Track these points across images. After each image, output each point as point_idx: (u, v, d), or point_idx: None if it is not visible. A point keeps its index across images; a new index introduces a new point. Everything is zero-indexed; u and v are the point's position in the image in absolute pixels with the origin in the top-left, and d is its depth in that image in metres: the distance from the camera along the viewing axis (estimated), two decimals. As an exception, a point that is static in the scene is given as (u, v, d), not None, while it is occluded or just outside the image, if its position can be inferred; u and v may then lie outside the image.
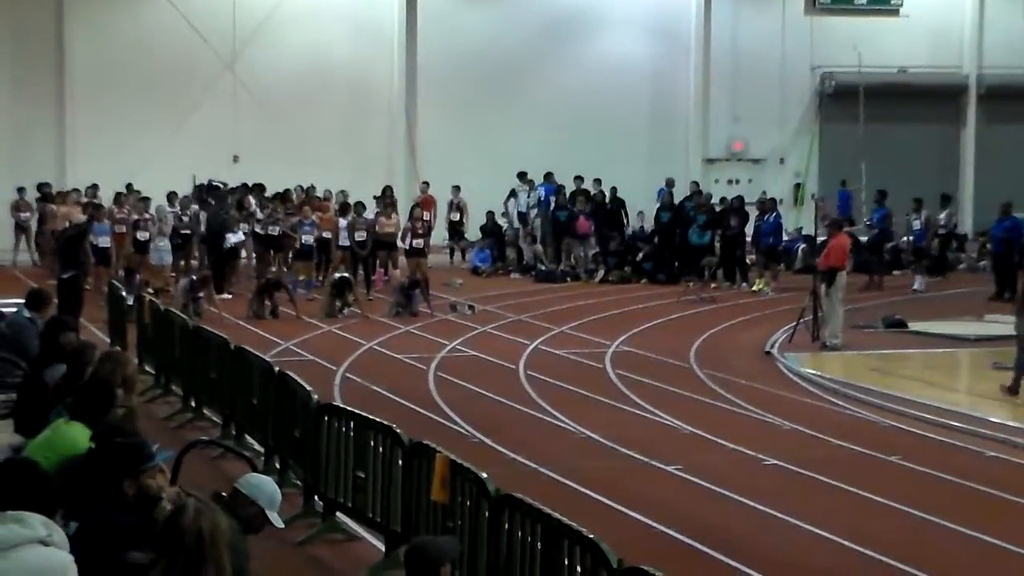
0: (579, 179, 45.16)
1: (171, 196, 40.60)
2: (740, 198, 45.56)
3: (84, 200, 40.04)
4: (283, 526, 11.26)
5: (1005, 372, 26.34)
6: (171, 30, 43.12)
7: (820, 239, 36.73)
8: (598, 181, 44.39)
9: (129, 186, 40.51)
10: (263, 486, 10.43)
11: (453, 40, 45.47)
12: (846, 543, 16.40)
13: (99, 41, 42.56)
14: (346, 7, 44.94)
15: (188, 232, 39.38)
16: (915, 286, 37.13)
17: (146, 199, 39.89)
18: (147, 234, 38.70)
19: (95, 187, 40.42)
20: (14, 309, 22.17)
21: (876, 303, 36.29)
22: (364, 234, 39.07)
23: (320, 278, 38.41)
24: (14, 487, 8.36)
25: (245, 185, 41.56)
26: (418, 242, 38.97)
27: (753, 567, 15.19)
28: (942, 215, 43.57)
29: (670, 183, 45.17)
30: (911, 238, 43.63)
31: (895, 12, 50.15)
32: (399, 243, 39.27)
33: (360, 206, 40.53)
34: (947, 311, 35.65)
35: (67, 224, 37.92)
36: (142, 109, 42.32)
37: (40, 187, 40.32)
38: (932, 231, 44.41)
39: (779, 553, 15.88)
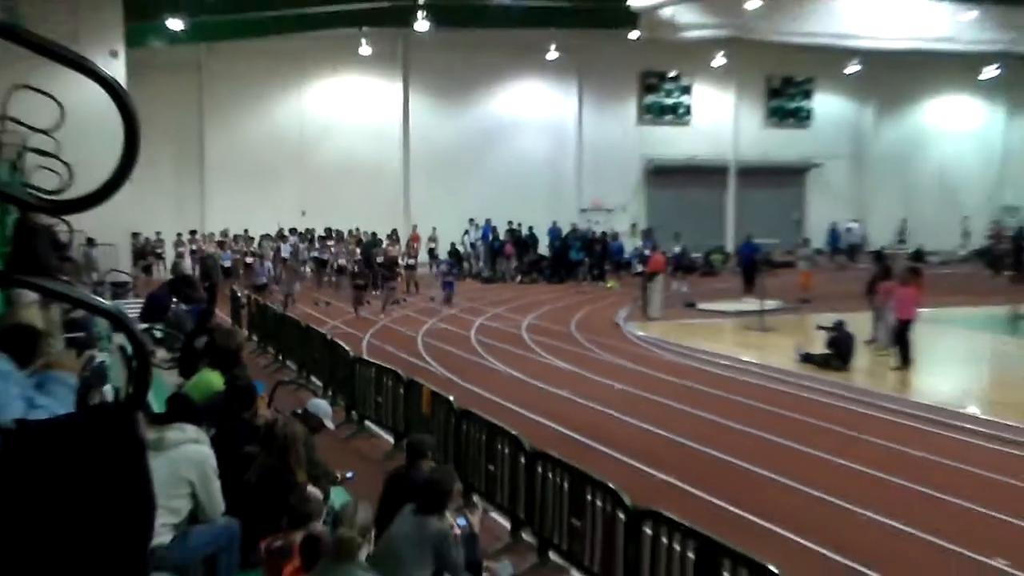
0: (510, 223, 45.13)
1: (267, 236, 40.92)
2: (604, 233, 45.81)
3: (217, 239, 40.29)
4: (334, 427, 11.50)
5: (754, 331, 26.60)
6: (268, 132, 42.91)
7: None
8: (520, 225, 44.54)
9: (245, 231, 40.72)
10: (321, 406, 10.76)
11: (430, 140, 45.26)
12: (662, 432, 16.66)
13: (224, 133, 42.27)
14: (369, 123, 44.67)
15: (285, 257, 39.48)
16: (683, 288, 36.93)
17: (251, 238, 40.36)
18: (251, 259, 38.98)
19: (225, 231, 40.45)
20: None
21: (686, 290, 36.31)
22: (383, 256, 39.18)
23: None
24: (178, 409, 8.57)
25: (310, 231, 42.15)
26: (411, 261, 39.05)
27: (610, 448, 15.44)
28: (677, 247, 43.94)
29: (555, 225, 45.38)
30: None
31: (687, 123, 50.21)
32: (399, 261, 39.30)
33: (377, 239, 40.91)
34: (717, 296, 35.80)
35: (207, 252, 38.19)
36: (250, 180, 42.09)
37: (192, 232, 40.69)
38: (686, 253, 45.05)
39: (626, 440, 15.97)
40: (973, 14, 36.67)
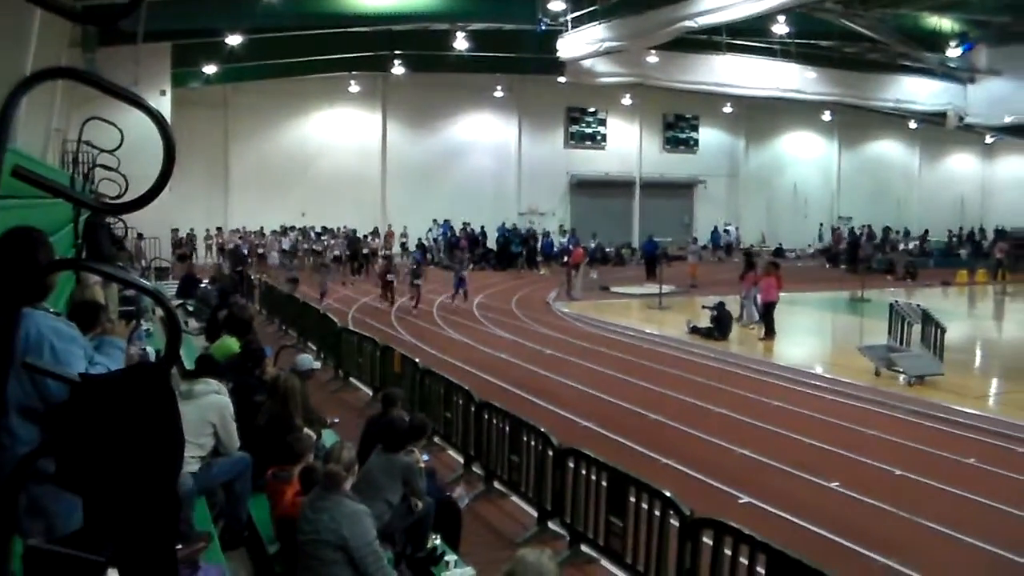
0: (464, 223, 45.31)
1: (276, 230, 40.79)
2: (534, 230, 46.11)
3: (240, 234, 40.03)
4: (319, 366, 11.41)
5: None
6: (277, 151, 42.58)
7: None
8: (467, 224, 44.87)
9: (261, 228, 40.55)
10: (306, 359, 10.91)
11: (403, 157, 45.12)
12: (582, 387, 16.68)
13: (244, 153, 41.96)
14: (356, 144, 44.43)
15: (284, 248, 39.63)
16: (594, 275, 37.00)
17: (263, 234, 40.11)
18: (263, 250, 38.80)
19: (242, 228, 40.33)
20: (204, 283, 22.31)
21: (598, 278, 36.45)
22: (367, 249, 39.11)
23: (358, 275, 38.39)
24: (204, 367, 8.50)
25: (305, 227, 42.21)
26: (386, 252, 38.88)
27: (541, 399, 15.43)
28: (593, 243, 44.87)
29: (503, 225, 45.56)
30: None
31: (602, 147, 50.31)
32: (378, 252, 39.14)
33: (358, 236, 40.96)
34: (625, 281, 35.91)
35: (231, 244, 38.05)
36: (265, 188, 41.84)
37: (218, 228, 40.87)
38: (602, 248, 45.90)
39: (554, 393, 15.97)
40: (814, 74, 37.46)
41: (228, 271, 28.20)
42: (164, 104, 31.11)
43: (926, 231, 53.08)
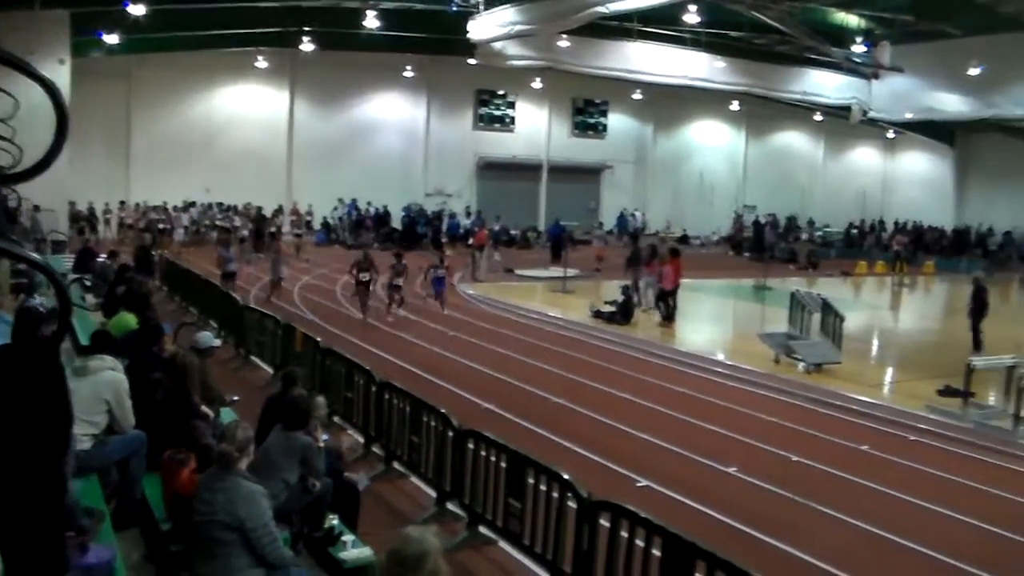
0: (368, 203, 45.03)
1: (178, 206, 39.89)
2: (440, 212, 46.05)
3: (142, 209, 39.28)
4: (219, 344, 11.25)
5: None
6: (182, 125, 41.76)
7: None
8: (369, 204, 44.93)
9: (164, 203, 39.56)
10: (205, 337, 10.52)
11: (310, 135, 44.64)
12: (485, 369, 16.73)
13: (147, 126, 41.04)
14: (262, 120, 43.88)
15: (186, 225, 38.99)
16: (496, 257, 37.22)
17: (166, 208, 39.18)
18: (167, 226, 37.91)
19: (145, 203, 39.55)
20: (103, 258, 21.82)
21: (501, 260, 36.50)
22: (274, 227, 38.61)
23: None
24: (100, 343, 8.39)
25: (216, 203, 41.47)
26: (299, 231, 38.52)
27: (443, 381, 15.44)
28: (497, 225, 44.73)
29: (408, 205, 45.48)
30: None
31: (511, 130, 50.26)
32: (284, 229, 38.72)
33: (263, 214, 40.19)
34: (531, 264, 36.02)
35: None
36: (168, 163, 40.96)
37: (121, 202, 39.87)
38: (507, 230, 45.85)
39: (456, 375, 16.04)
40: (723, 64, 38.07)
41: (149, 244, 27.84)
42: (62, 74, 30.07)
43: (850, 224, 54.54)
